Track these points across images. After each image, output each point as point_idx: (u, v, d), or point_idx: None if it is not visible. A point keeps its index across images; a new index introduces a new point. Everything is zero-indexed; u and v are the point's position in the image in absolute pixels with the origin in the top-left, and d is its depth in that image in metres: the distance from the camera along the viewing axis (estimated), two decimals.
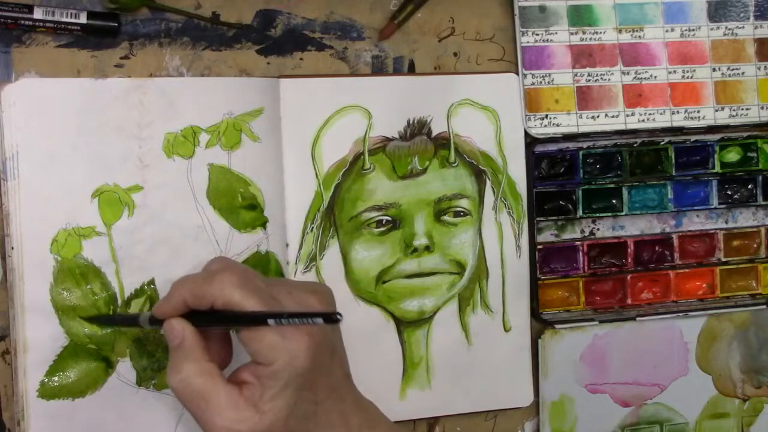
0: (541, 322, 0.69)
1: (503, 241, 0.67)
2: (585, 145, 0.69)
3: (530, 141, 0.68)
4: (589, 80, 0.69)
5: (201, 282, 0.49)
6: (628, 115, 0.69)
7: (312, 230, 0.63)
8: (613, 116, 0.69)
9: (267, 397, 0.48)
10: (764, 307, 0.73)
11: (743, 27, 0.72)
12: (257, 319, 0.47)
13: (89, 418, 0.58)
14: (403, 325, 0.66)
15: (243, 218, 0.61)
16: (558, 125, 0.68)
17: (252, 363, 0.49)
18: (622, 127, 0.69)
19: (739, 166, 0.73)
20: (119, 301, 0.59)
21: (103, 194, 0.59)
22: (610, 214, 0.70)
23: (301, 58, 0.64)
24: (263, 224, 0.62)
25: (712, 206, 0.72)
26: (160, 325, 0.52)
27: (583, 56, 0.69)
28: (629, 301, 0.71)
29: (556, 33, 0.68)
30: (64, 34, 0.59)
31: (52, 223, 0.58)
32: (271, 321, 0.47)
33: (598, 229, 0.71)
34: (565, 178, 0.69)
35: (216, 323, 0.50)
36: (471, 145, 0.66)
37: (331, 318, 0.45)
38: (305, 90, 0.63)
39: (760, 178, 0.73)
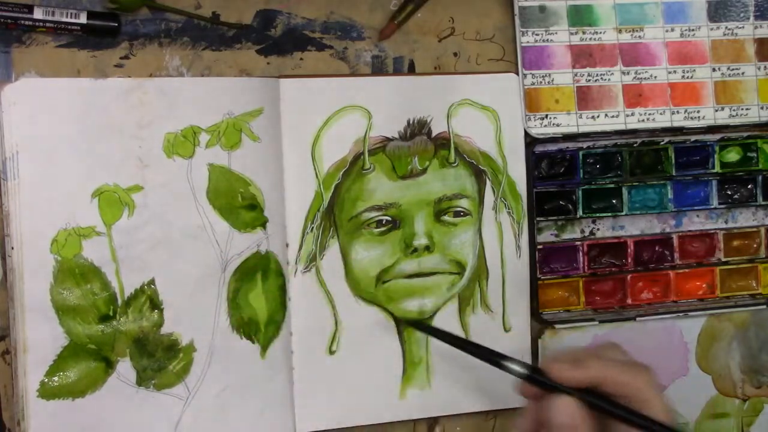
0: (541, 322, 0.69)
1: (503, 241, 0.67)
2: (585, 145, 0.69)
3: (530, 141, 0.68)
4: (589, 80, 0.69)
5: (627, 373, 0.48)
6: (628, 115, 0.69)
7: (312, 230, 0.63)
8: (613, 116, 0.69)
9: None
10: (764, 307, 0.73)
11: (743, 27, 0.72)
12: None
13: (89, 418, 0.59)
14: (403, 325, 0.66)
15: (243, 218, 0.61)
16: (558, 125, 0.68)
17: None
18: (622, 127, 0.69)
19: (739, 166, 0.73)
20: (119, 301, 0.59)
21: (103, 194, 0.59)
22: (610, 214, 0.70)
23: (301, 58, 0.64)
24: (263, 224, 0.62)
25: (712, 206, 0.72)
26: (533, 381, 0.49)
27: (583, 56, 0.69)
28: (629, 301, 0.71)
29: (556, 33, 0.68)
30: (64, 34, 0.59)
31: (52, 223, 0.58)
32: None
33: (598, 229, 0.71)
34: (565, 178, 0.69)
35: (620, 417, 0.48)
36: (471, 145, 0.66)
37: None
38: (305, 90, 0.63)
39: (760, 178, 0.73)
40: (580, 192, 0.69)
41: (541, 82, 0.68)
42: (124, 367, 0.59)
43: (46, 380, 0.58)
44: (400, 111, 0.65)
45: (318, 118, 0.63)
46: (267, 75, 0.63)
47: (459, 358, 0.67)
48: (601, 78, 0.69)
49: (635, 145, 0.70)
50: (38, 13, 0.57)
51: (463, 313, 0.67)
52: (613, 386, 0.48)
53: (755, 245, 0.74)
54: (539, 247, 0.69)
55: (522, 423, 0.51)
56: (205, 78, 0.62)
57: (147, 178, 0.59)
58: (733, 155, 0.72)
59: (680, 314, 0.71)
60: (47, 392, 0.58)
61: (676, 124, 0.70)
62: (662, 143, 0.71)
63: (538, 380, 0.49)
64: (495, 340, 0.67)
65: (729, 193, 0.73)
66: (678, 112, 0.70)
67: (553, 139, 0.68)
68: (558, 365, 0.49)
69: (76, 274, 0.58)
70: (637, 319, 0.70)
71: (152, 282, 0.60)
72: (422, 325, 0.62)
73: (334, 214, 0.64)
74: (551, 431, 0.47)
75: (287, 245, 0.63)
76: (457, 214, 0.66)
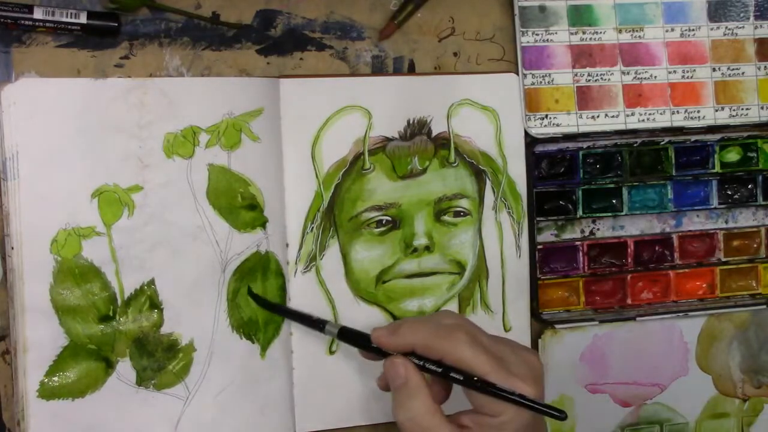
0: (541, 322, 0.69)
1: (503, 241, 0.67)
2: (585, 145, 0.69)
3: (530, 141, 0.68)
4: (589, 80, 0.69)
5: (435, 335, 0.51)
6: (628, 115, 0.69)
7: (312, 230, 0.63)
8: (613, 116, 0.69)
9: None
10: (764, 307, 0.73)
11: (743, 27, 0.72)
12: (493, 391, 0.49)
13: (89, 418, 0.59)
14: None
15: (243, 218, 0.61)
16: (558, 125, 0.68)
17: (473, 411, 0.51)
18: (622, 127, 0.69)
19: (739, 166, 0.73)
20: (119, 301, 0.59)
21: (103, 194, 0.59)
22: (610, 214, 0.70)
23: (301, 58, 0.64)
24: (263, 224, 0.62)
25: (712, 206, 0.72)
26: (347, 340, 0.57)
27: (583, 56, 0.69)
28: (629, 301, 0.71)
29: (556, 33, 0.68)
30: (64, 34, 0.59)
31: (52, 223, 0.58)
32: (502, 394, 0.49)
33: (598, 229, 0.71)
34: (565, 178, 0.69)
35: (442, 376, 0.52)
36: (471, 145, 0.66)
37: (559, 416, 0.49)
38: (305, 90, 0.63)
39: (760, 178, 0.73)
40: (580, 192, 0.69)
41: (541, 82, 0.68)
42: (124, 367, 0.59)
43: (46, 380, 0.58)
44: (400, 111, 0.65)
45: (318, 118, 0.63)
46: (267, 75, 0.63)
47: None
48: (601, 78, 0.69)
49: (635, 145, 0.70)
50: (38, 13, 0.57)
51: (463, 313, 0.67)
52: (425, 351, 0.52)
53: (755, 245, 0.74)
54: (539, 247, 0.69)
55: (380, 380, 0.56)
56: (205, 78, 0.62)
57: (147, 178, 0.59)
58: (733, 155, 0.72)
59: (680, 314, 0.71)
60: (47, 392, 0.58)
61: (676, 124, 0.70)
62: (662, 143, 0.71)
63: (347, 336, 0.57)
64: None
65: (729, 193, 0.73)
66: (678, 112, 0.70)
67: (553, 139, 0.68)
68: (377, 332, 0.54)
69: (76, 274, 0.58)
70: (637, 319, 0.70)
71: (152, 282, 0.60)
72: (254, 295, 0.62)
73: (334, 214, 0.64)
74: (392, 390, 0.53)
75: (287, 245, 0.63)
76: (457, 214, 0.66)
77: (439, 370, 0.51)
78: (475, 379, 0.50)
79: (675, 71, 0.70)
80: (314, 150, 0.63)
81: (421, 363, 0.52)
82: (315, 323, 0.60)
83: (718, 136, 0.71)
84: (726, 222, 0.73)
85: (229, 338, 0.61)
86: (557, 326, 0.68)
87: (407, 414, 0.51)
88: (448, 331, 0.51)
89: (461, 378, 0.50)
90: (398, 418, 0.51)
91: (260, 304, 0.62)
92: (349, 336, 0.57)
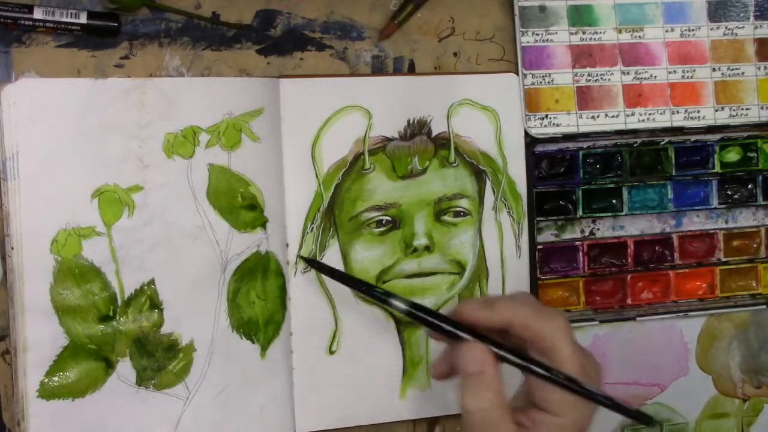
0: None
1: (503, 241, 0.67)
2: (585, 145, 0.69)
3: (530, 141, 0.68)
4: (589, 80, 0.69)
5: (536, 316, 0.48)
6: (628, 115, 0.69)
7: (312, 230, 0.63)
8: (613, 116, 0.69)
9: None
10: (764, 307, 0.73)
11: (743, 27, 0.72)
12: (584, 392, 0.47)
13: (89, 418, 0.59)
14: (403, 325, 0.66)
15: (243, 218, 0.61)
16: (558, 125, 0.68)
17: (531, 407, 0.49)
18: (622, 127, 0.69)
19: (739, 166, 0.73)
20: (119, 301, 0.59)
21: (103, 194, 0.59)
22: (610, 214, 0.70)
23: (301, 58, 0.64)
24: (263, 224, 0.62)
25: (712, 206, 0.72)
26: (418, 317, 0.51)
27: (583, 56, 0.69)
28: (629, 301, 0.71)
29: (556, 33, 0.68)
30: (64, 34, 0.59)
31: (52, 223, 0.58)
32: (590, 393, 0.47)
33: (598, 229, 0.71)
34: (565, 178, 0.69)
35: (521, 368, 0.49)
36: (471, 145, 0.66)
37: (650, 422, 0.48)
38: (305, 90, 0.63)
39: (760, 178, 0.73)
40: (580, 192, 0.69)
41: (541, 82, 0.68)
42: (124, 367, 0.59)
43: (46, 380, 0.58)
44: (400, 111, 0.65)
45: (318, 118, 0.63)
46: (267, 75, 0.63)
47: None
48: (601, 78, 0.69)
49: (635, 145, 0.70)
50: (38, 13, 0.57)
51: None
52: (521, 330, 0.48)
53: (755, 245, 0.74)
54: (539, 247, 0.69)
55: (438, 366, 0.52)
56: (205, 78, 0.62)
57: (147, 178, 0.59)
58: (733, 155, 0.72)
59: (680, 314, 0.71)
60: (47, 392, 0.58)
61: (676, 124, 0.70)
62: (662, 143, 0.71)
63: (418, 316, 0.51)
64: None
65: (729, 193, 0.73)
66: (678, 112, 0.70)
67: (553, 139, 0.68)
68: (469, 305, 0.50)
69: (76, 274, 0.58)
70: (637, 319, 0.70)
71: (152, 282, 0.60)
72: (310, 260, 0.62)
73: (334, 214, 0.64)
74: (462, 376, 0.49)
75: (287, 245, 0.63)
76: (457, 214, 0.66)
77: (521, 362, 0.48)
78: (566, 376, 0.47)
79: (675, 71, 0.70)
80: (314, 150, 0.63)
81: (500, 352, 0.48)
82: (378, 295, 0.55)
83: (718, 136, 0.71)
84: (726, 222, 0.73)
85: (229, 338, 0.61)
86: None
87: (478, 404, 0.47)
88: (550, 315, 0.48)
89: (547, 374, 0.47)
90: (467, 407, 0.48)
91: (316, 268, 0.61)
92: (422, 312, 0.52)
